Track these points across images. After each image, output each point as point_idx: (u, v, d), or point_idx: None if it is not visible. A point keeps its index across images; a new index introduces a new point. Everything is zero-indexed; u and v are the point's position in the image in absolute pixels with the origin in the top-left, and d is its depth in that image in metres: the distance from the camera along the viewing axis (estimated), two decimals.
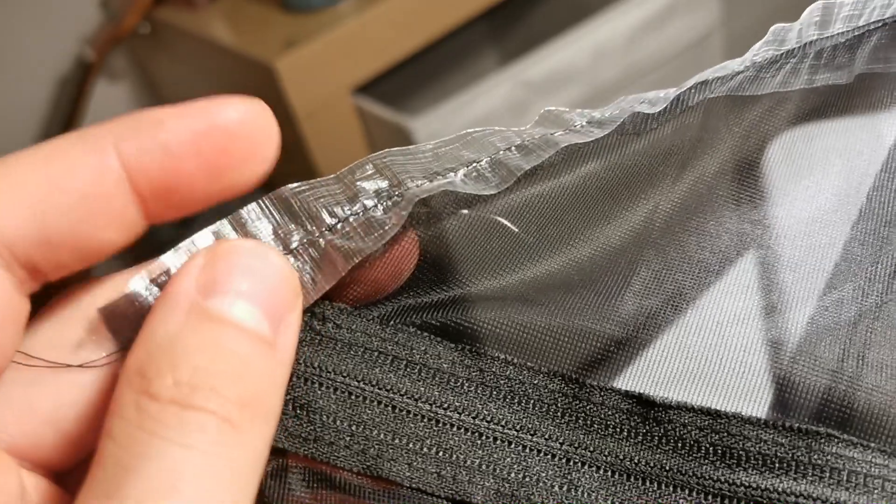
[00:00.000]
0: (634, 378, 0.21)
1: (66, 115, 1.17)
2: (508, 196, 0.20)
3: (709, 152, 0.23)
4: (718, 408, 0.19)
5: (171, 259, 0.18)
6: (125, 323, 0.18)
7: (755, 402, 0.20)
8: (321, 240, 0.18)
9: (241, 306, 0.17)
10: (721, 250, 0.22)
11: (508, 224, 0.20)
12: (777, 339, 0.21)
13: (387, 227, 0.18)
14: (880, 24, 0.23)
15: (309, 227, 0.18)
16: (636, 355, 0.21)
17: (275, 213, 0.18)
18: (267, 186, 0.19)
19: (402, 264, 0.20)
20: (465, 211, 0.20)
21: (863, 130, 0.24)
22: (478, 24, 1.16)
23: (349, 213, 0.18)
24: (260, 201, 0.18)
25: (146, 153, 0.17)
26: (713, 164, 0.23)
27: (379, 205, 0.18)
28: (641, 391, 0.20)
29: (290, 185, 0.18)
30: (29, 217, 0.16)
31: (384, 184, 0.19)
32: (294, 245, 0.18)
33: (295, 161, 1.04)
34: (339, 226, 0.18)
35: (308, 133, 0.98)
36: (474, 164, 0.19)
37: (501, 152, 0.19)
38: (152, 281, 0.18)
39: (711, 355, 0.21)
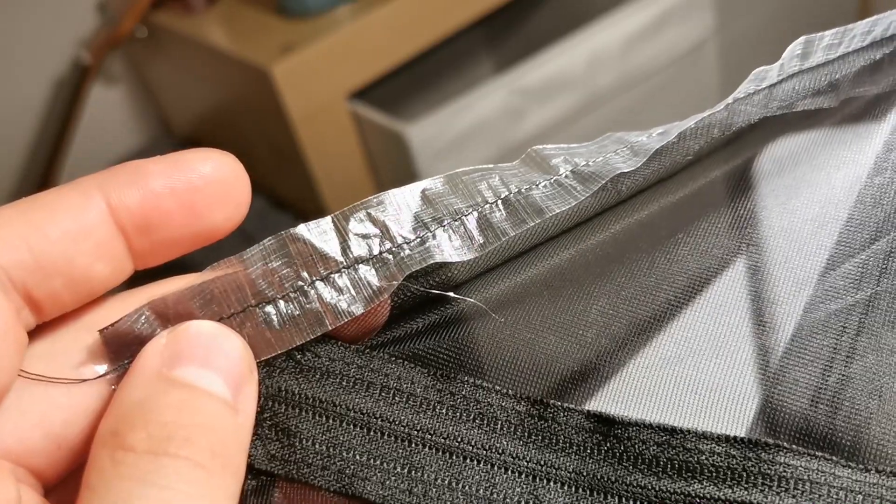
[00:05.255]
0: (609, 400, 0.21)
1: (62, 118, 1.18)
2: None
3: (691, 172, 0.23)
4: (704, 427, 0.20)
5: (172, 286, 0.19)
6: (124, 346, 0.19)
7: (734, 422, 0.21)
8: (311, 290, 0.19)
9: (204, 374, 0.18)
10: (699, 269, 0.23)
11: (485, 308, 0.22)
12: (760, 358, 0.21)
13: (374, 290, 0.19)
14: (861, 49, 0.23)
15: (302, 273, 0.19)
16: (609, 377, 0.22)
17: (271, 256, 0.19)
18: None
19: (374, 321, 0.21)
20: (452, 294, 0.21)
21: (848, 142, 0.24)
22: (474, 31, 1.17)
23: (342, 265, 0.19)
24: (265, 242, 0.19)
25: (126, 191, 0.19)
26: (697, 182, 0.23)
27: (372, 268, 0.20)
28: (605, 411, 0.20)
29: (294, 228, 0.19)
30: (21, 245, 0.18)
31: (374, 230, 0.20)
32: (287, 290, 0.19)
33: (291, 166, 1.04)
34: (331, 276, 0.19)
35: (304, 138, 0.98)
36: (461, 219, 0.20)
37: (488, 205, 0.20)
38: (151, 308, 0.19)
39: (684, 377, 0.22)
